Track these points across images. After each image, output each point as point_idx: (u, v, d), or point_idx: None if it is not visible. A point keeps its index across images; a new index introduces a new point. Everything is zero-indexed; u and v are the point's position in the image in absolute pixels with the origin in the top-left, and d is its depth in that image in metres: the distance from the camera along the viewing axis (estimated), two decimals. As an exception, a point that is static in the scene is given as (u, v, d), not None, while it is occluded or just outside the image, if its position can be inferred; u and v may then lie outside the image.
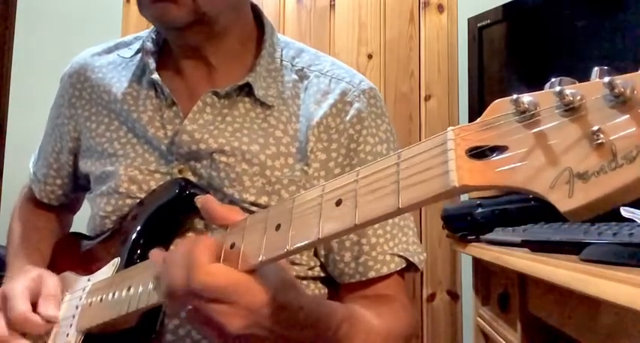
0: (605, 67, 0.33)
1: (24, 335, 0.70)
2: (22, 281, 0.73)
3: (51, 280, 0.75)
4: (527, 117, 0.35)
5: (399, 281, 0.78)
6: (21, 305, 0.69)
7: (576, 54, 1.41)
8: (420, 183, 0.39)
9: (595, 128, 0.32)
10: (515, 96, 0.36)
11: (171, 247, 0.73)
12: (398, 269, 0.77)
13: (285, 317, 0.51)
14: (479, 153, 0.37)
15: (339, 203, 0.44)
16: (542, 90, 0.36)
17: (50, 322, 0.70)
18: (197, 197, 0.71)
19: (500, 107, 0.37)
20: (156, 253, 0.57)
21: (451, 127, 0.39)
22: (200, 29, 0.74)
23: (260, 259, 0.48)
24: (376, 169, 0.42)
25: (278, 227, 0.48)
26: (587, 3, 1.45)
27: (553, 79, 0.35)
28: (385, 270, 0.76)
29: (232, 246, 0.51)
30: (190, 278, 0.48)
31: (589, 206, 0.32)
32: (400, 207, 0.40)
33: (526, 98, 0.35)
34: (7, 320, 0.69)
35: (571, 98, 0.33)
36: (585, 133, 0.32)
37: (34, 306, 0.71)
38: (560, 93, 0.33)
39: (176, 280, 0.50)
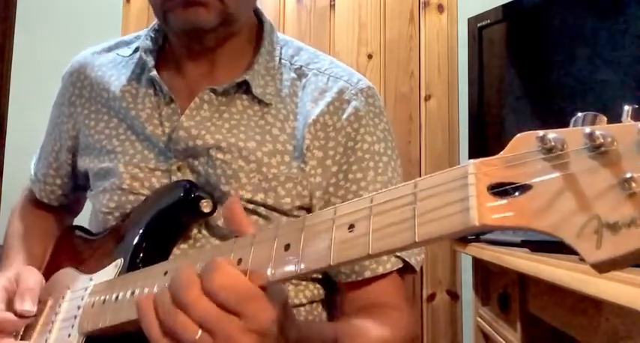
0: (637, 106, 0.32)
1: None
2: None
3: (30, 275, 0.74)
4: (554, 156, 0.33)
5: (396, 284, 0.77)
6: None
7: (576, 54, 1.41)
8: (438, 218, 0.37)
9: (628, 176, 0.30)
10: (541, 132, 0.34)
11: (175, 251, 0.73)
12: (394, 269, 0.76)
13: (285, 338, 0.50)
14: (502, 190, 0.35)
15: (351, 228, 0.42)
16: (568, 126, 0.34)
17: (25, 317, 0.70)
18: (202, 201, 0.71)
19: (524, 142, 0.35)
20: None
21: (472, 160, 0.37)
22: (223, 30, 0.75)
23: (268, 279, 0.46)
24: (392, 197, 0.41)
25: (287, 247, 0.46)
26: (587, 3, 1.45)
27: (579, 114, 0.33)
28: (381, 270, 0.75)
29: (239, 261, 0.49)
30: (206, 280, 0.46)
31: (617, 260, 0.30)
32: (417, 241, 0.38)
33: (552, 135, 0.33)
34: None
35: (602, 140, 0.31)
36: (617, 181, 0.30)
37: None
38: (591, 136, 0.31)
39: (192, 275, 0.47)
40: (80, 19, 2.11)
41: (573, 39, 1.43)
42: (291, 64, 0.82)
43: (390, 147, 0.80)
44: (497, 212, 0.35)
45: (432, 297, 1.98)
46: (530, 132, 0.35)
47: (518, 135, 0.36)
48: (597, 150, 0.31)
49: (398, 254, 0.76)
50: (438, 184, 0.38)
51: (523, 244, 0.82)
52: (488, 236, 1.05)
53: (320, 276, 0.79)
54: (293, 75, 0.81)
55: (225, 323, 0.45)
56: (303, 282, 0.78)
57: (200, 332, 0.45)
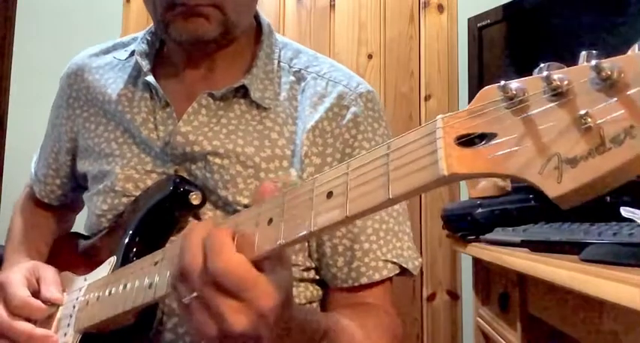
0: (593, 51, 0.33)
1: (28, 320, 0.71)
2: (18, 270, 0.74)
3: (48, 268, 0.76)
4: (515, 103, 0.35)
5: (386, 288, 0.77)
6: (20, 291, 0.70)
7: (576, 54, 1.41)
8: (409, 173, 0.38)
9: (582, 112, 0.31)
10: (502, 82, 0.35)
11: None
12: (390, 275, 0.76)
13: (282, 325, 0.50)
14: (468, 141, 0.37)
15: (329, 195, 0.44)
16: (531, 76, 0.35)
17: (53, 305, 0.72)
18: (192, 193, 0.72)
19: (488, 94, 0.37)
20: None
21: (440, 115, 0.39)
22: (224, 38, 0.75)
23: (255, 254, 0.47)
24: (367, 161, 0.42)
25: (270, 221, 0.47)
26: (587, 3, 1.45)
27: (542, 64, 0.34)
28: (377, 277, 0.75)
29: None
30: (210, 260, 0.46)
31: (578, 191, 0.31)
32: (391, 197, 0.39)
33: (514, 84, 0.35)
34: (7, 307, 0.70)
35: (558, 83, 0.33)
36: (573, 118, 0.32)
37: (33, 294, 0.72)
38: (548, 78, 0.33)
39: (193, 259, 0.47)
40: (80, 20, 2.11)
41: (573, 39, 1.43)
42: (290, 66, 0.82)
43: None
44: (465, 161, 0.36)
45: (432, 297, 1.98)
46: (494, 84, 0.36)
47: (483, 88, 0.37)
48: (554, 92, 0.33)
49: (395, 260, 0.76)
50: (409, 142, 0.40)
51: (523, 244, 0.82)
52: (488, 236, 1.04)
53: (318, 277, 0.79)
54: (292, 78, 0.80)
55: (220, 301, 0.46)
56: (302, 284, 0.78)
57: (194, 294, 0.47)
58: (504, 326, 1.08)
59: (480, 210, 1.16)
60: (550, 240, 0.75)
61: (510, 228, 0.99)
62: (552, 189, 0.32)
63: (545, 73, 0.33)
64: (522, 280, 0.94)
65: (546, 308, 0.83)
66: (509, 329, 1.04)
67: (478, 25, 1.77)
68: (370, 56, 2.06)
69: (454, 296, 1.98)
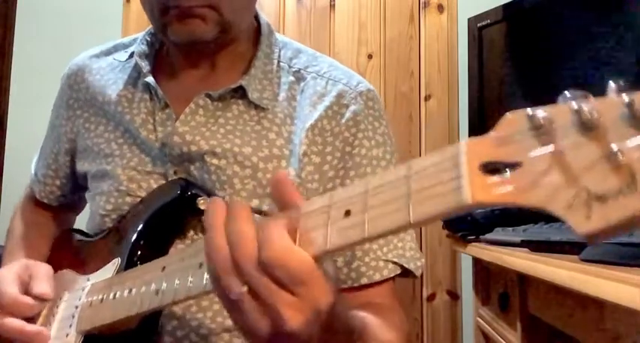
0: (621, 82, 0.32)
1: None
2: (11, 268, 0.74)
3: (41, 265, 0.75)
4: (542, 133, 0.34)
5: (390, 287, 0.77)
6: (10, 288, 0.70)
7: (576, 54, 1.41)
8: (431, 197, 0.38)
9: (613, 147, 0.31)
10: (530, 110, 0.35)
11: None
12: (391, 276, 0.75)
13: (335, 323, 0.47)
14: (492, 168, 0.36)
15: (348, 214, 0.42)
16: (556, 103, 0.34)
17: (44, 300, 0.71)
18: (199, 198, 0.71)
19: (514, 121, 0.36)
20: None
21: (464, 140, 0.38)
22: (222, 38, 0.75)
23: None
24: (386, 180, 0.41)
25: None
26: (587, 3, 1.45)
27: (566, 92, 0.34)
28: (378, 277, 0.74)
29: None
30: (266, 249, 0.42)
31: (607, 229, 0.31)
32: (411, 221, 0.38)
33: (541, 113, 0.34)
34: None
35: (588, 116, 0.32)
36: (603, 153, 0.31)
37: (26, 292, 0.71)
38: (578, 111, 0.32)
39: (246, 248, 0.43)
40: (80, 20, 2.11)
41: (573, 39, 1.43)
42: (290, 66, 0.81)
43: (389, 151, 0.79)
44: (489, 189, 0.35)
45: (432, 297, 1.98)
46: (520, 110, 0.36)
47: (508, 113, 0.37)
48: (584, 125, 0.32)
49: (396, 260, 0.75)
50: (431, 165, 0.39)
51: (523, 244, 0.82)
52: (488, 236, 1.05)
53: None
54: (291, 78, 0.80)
55: (276, 295, 0.42)
56: None
57: (246, 288, 0.43)
58: (504, 326, 1.08)
59: (480, 210, 1.16)
60: (550, 240, 0.75)
61: (510, 228, 0.99)
62: (582, 225, 0.31)
63: (574, 105, 0.33)
64: (522, 280, 0.94)
65: (546, 308, 0.83)
66: (509, 329, 1.04)
67: (478, 25, 1.77)
68: (370, 56, 2.06)
69: (454, 296, 1.98)
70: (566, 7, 1.50)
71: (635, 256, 0.54)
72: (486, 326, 1.25)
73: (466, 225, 1.20)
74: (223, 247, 0.45)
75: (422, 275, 1.98)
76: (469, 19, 1.84)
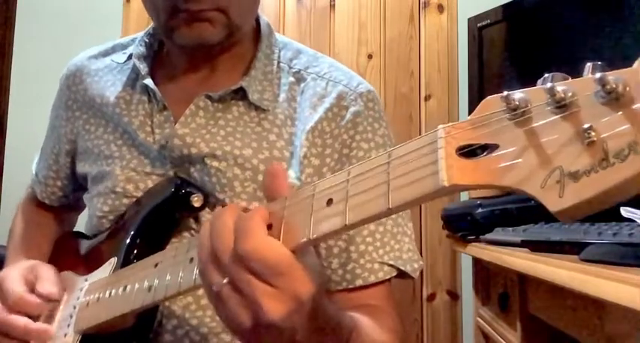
0: (598, 63, 0.32)
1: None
2: (16, 268, 0.75)
3: (46, 266, 0.76)
4: (518, 114, 0.34)
5: (386, 289, 0.76)
6: (16, 287, 0.70)
7: (576, 54, 1.41)
8: (410, 183, 0.38)
9: (586, 126, 0.31)
10: (505, 93, 0.35)
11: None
12: (387, 278, 0.74)
13: (320, 317, 0.48)
14: (469, 151, 0.36)
15: (329, 202, 0.43)
16: (535, 86, 0.35)
17: (50, 300, 0.71)
18: (193, 195, 0.71)
19: (491, 104, 0.36)
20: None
21: (442, 125, 0.38)
22: (228, 41, 0.74)
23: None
24: (367, 168, 0.42)
25: (270, 226, 0.47)
26: (587, 3, 1.45)
27: (546, 75, 0.34)
28: (373, 279, 0.74)
29: None
30: (241, 241, 0.43)
31: (579, 206, 0.31)
32: (390, 207, 0.39)
33: (517, 95, 0.34)
34: (4, 303, 0.70)
35: (562, 95, 0.32)
36: (577, 131, 0.32)
37: (31, 292, 0.72)
38: (552, 90, 0.33)
39: (224, 241, 0.44)
40: (80, 20, 2.11)
41: (573, 39, 1.43)
42: (290, 67, 0.81)
43: None
44: (466, 172, 0.36)
45: (432, 297, 1.98)
46: (497, 94, 0.36)
47: (486, 98, 0.37)
48: (558, 104, 0.33)
49: (392, 262, 0.75)
50: (410, 151, 0.39)
51: (523, 244, 0.82)
52: (488, 236, 1.05)
53: None
54: (292, 79, 0.80)
55: (254, 287, 0.43)
56: None
57: (226, 280, 0.44)
58: (504, 326, 1.08)
59: (479, 210, 1.16)
60: (550, 240, 0.75)
61: (510, 228, 0.99)
62: (553, 203, 0.32)
63: (549, 85, 0.33)
64: (522, 280, 0.94)
65: (546, 308, 0.83)
66: (509, 329, 1.04)
67: (478, 25, 1.77)
68: (370, 56, 2.06)
69: (454, 296, 1.98)
70: (566, 7, 1.50)
71: (635, 256, 0.54)
72: (486, 326, 1.25)
73: (466, 224, 1.20)
74: (207, 239, 0.46)
75: (422, 275, 1.98)
76: (469, 19, 1.84)
